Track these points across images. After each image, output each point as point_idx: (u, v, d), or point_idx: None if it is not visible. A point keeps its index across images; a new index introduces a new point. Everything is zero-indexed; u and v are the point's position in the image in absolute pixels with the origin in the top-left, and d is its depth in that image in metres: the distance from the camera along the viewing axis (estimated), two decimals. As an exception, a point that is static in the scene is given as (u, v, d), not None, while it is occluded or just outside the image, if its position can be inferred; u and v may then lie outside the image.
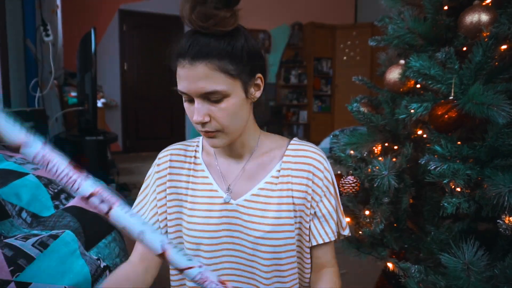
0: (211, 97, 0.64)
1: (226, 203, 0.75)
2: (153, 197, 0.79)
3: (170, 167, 0.79)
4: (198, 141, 0.83)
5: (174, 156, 0.80)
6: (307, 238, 0.76)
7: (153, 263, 0.76)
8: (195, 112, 0.65)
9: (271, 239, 0.72)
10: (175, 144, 0.83)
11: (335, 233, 0.77)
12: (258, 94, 0.72)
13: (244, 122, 0.71)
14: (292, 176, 0.75)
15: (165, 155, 0.80)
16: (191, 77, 0.63)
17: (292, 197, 0.74)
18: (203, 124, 0.66)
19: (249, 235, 0.73)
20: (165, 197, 0.78)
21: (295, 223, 0.74)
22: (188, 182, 0.78)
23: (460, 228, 1.07)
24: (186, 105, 0.68)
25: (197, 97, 0.64)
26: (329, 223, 0.76)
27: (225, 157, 0.78)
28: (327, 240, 0.76)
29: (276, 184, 0.74)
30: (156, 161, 0.81)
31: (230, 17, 0.62)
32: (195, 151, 0.81)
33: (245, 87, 0.67)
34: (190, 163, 0.79)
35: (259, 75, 0.70)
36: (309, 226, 0.76)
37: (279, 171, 0.75)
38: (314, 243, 0.76)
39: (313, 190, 0.74)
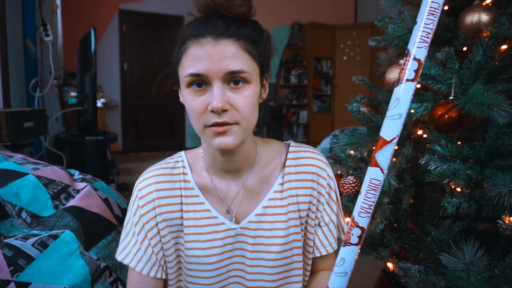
0: (235, 78, 0.57)
1: (229, 228, 0.68)
2: (150, 251, 0.68)
3: (158, 205, 0.67)
4: (183, 161, 0.71)
5: (160, 189, 0.67)
6: (310, 250, 0.73)
7: None
8: (215, 98, 0.55)
9: (282, 259, 0.68)
10: (155, 169, 0.70)
11: (337, 241, 0.74)
12: (264, 95, 0.66)
13: (255, 122, 0.63)
14: (297, 188, 0.70)
15: (148, 191, 0.67)
16: (214, 55, 0.55)
17: (298, 210, 0.70)
18: (221, 113, 0.56)
19: (258, 258, 0.68)
20: (160, 240, 0.68)
21: (302, 236, 0.71)
22: (181, 211, 0.68)
23: (460, 228, 1.07)
24: (192, 97, 0.58)
25: (219, 78, 0.56)
26: (332, 233, 0.73)
27: (222, 175, 0.69)
28: (330, 251, 0.73)
29: (280, 199, 0.69)
30: (138, 201, 0.68)
31: (248, 5, 0.59)
32: (183, 173, 0.69)
33: (261, 80, 0.63)
34: (179, 188, 0.68)
35: (266, 75, 0.66)
36: (313, 237, 0.72)
37: (282, 184, 0.70)
38: (318, 255, 0.73)
39: (317, 200, 0.71)
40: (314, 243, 0.72)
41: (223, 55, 0.55)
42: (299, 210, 0.70)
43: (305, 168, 0.70)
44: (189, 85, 0.58)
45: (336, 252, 0.76)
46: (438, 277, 0.95)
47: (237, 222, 0.68)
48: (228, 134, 0.58)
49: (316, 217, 0.71)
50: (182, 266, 0.70)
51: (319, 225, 0.72)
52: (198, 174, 0.70)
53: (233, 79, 0.57)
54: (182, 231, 0.68)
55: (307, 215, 0.71)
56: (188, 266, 0.69)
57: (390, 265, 1.19)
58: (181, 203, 0.68)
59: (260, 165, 0.70)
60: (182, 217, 0.68)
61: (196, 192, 0.68)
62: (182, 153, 0.73)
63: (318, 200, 0.71)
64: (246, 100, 0.58)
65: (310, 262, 0.74)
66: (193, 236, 0.67)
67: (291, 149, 0.72)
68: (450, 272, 0.90)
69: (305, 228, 0.72)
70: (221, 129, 0.57)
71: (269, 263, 0.68)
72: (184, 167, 0.70)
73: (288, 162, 0.70)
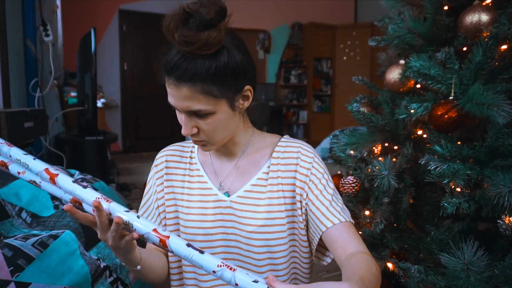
0: (197, 113, 0.67)
1: (220, 200, 0.78)
2: (154, 198, 0.83)
3: (166, 167, 0.82)
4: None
5: (170, 157, 0.84)
6: (303, 232, 0.77)
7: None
8: (183, 126, 0.69)
9: (263, 233, 0.75)
10: (172, 145, 0.86)
11: (343, 215, 0.73)
12: (246, 104, 0.72)
13: (231, 132, 0.74)
14: (282, 171, 0.77)
15: (161, 156, 0.84)
16: (177, 96, 0.66)
17: (283, 190, 0.76)
18: (192, 134, 0.70)
19: (242, 230, 0.76)
20: (163, 196, 0.81)
21: (287, 216, 0.75)
22: (184, 181, 0.81)
23: (460, 228, 1.07)
24: (177, 113, 0.71)
25: (184, 112, 0.68)
26: (333, 206, 0.73)
27: (219, 155, 0.82)
28: (336, 222, 0.72)
29: (266, 179, 0.77)
30: (154, 162, 0.84)
31: (214, 37, 0.60)
32: (191, 151, 0.84)
33: (231, 103, 0.68)
34: (186, 163, 0.83)
35: (247, 87, 0.70)
36: (308, 218, 0.75)
37: (269, 167, 0.78)
38: (324, 229, 0.72)
39: (300, 182, 0.75)
40: (314, 222, 0.74)
41: (182, 98, 0.65)
42: (283, 191, 0.76)
43: (290, 154, 0.78)
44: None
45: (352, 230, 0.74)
46: (438, 277, 0.95)
47: (228, 196, 0.78)
48: (204, 146, 0.73)
49: (302, 198, 0.76)
50: (180, 233, 0.79)
51: (313, 204, 0.74)
52: (202, 152, 0.84)
53: (196, 113, 0.67)
54: (183, 199, 0.80)
55: (293, 197, 0.76)
56: (185, 231, 0.78)
57: (390, 265, 1.19)
58: (185, 174, 0.82)
59: (252, 150, 0.80)
60: (183, 187, 0.81)
61: (198, 166, 0.82)
62: None
63: (304, 182, 0.76)
64: (209, 126, 0.68)
65: (305, 244, 0.78)
66: (190, 203, 0.79)
67: (282, 139, 0.81)
68: (450, 272, 0.90)
69: (292, 209, 0.76)
70: (197, 144, 0.73)
71: (252, 235, 0.74)
72: (193, 146, 0.85)
73: (276, 149, 0.79)
